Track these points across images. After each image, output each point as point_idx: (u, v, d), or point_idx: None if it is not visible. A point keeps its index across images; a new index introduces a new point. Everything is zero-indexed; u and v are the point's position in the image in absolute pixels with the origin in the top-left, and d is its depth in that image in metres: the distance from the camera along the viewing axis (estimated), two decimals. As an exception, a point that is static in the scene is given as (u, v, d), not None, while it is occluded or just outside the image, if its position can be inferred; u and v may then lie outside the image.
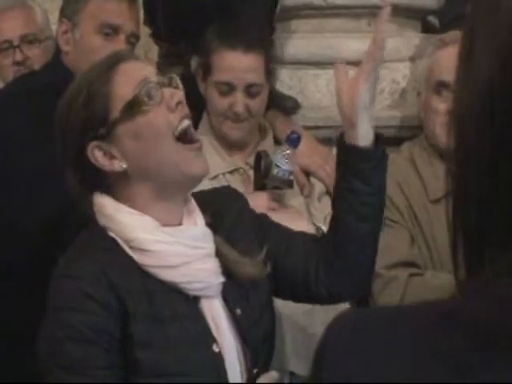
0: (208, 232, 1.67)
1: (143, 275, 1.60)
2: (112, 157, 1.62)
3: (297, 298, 1.88)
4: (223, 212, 1.76)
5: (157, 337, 1.57)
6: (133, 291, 1.58)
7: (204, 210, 1.70)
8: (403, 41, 2.87)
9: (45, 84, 2.29)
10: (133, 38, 2.39)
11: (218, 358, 1.61)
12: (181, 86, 1.68)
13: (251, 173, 2.38)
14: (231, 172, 2.41)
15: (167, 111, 1.62)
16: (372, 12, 2.86)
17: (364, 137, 1.74)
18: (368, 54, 1.76)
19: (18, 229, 2.18)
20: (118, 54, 1.75)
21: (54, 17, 2.57)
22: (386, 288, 2.41)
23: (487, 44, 0.63)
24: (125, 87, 1.62)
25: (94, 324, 1.53)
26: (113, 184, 1.65)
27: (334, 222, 1.81)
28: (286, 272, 1.79)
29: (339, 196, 1.79)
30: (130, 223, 1.61)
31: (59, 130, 1.67)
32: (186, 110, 1.65)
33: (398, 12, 2.88)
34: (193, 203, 1.70)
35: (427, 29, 2.99)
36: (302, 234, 1.90)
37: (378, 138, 1.76)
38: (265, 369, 1.71)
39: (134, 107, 1.60)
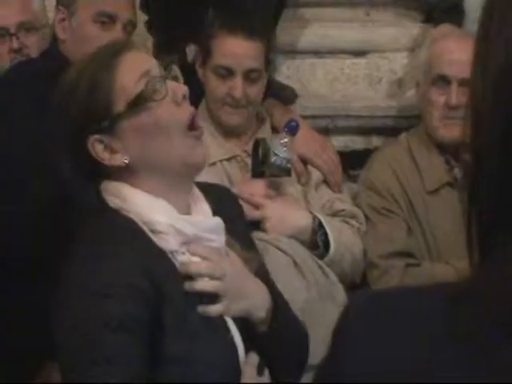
0: (221, 223, 1.63)
1: (168, 259, 1.55)
2: (113, 151, 1.57)
3: None
4: (221, 208, 1.71)
5: (185, 323, 1.52)
6: (167, 275, 1.53)
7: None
8: (402, 30, 2.87)
9: (41, 71, 2.28)
10: (130, 27, 2.38)
11: (233, 346, 1.58)
12: (180, 76, 1.65)
13: (248, 160, 2.37)
14: (228, 159, 2.40)
15: (173, 106, 1.58)
16: (370, 1, 2.87)
17: None
18: None
19: (17, 215, 2.17)
20: (120, 43, 1.71)
21: (50, 3, 2.56)
22: (382, 278, 2.41)
23: (501, 30, 0.63)
24: (128, 78, 1.57)
25: (132, 312, 1.47)
26: (115, 175, 1.60)
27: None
28: None
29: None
30: (148, 205, 1.56)
31: (57, 118, 1.62)
32: (189, 102, 1.62)
33: (397, 2, 2.89)
34: (197, 192, 1.66)
35: (428, 18, 2.98)
36: None
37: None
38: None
39: (139, 103, 1.56)
